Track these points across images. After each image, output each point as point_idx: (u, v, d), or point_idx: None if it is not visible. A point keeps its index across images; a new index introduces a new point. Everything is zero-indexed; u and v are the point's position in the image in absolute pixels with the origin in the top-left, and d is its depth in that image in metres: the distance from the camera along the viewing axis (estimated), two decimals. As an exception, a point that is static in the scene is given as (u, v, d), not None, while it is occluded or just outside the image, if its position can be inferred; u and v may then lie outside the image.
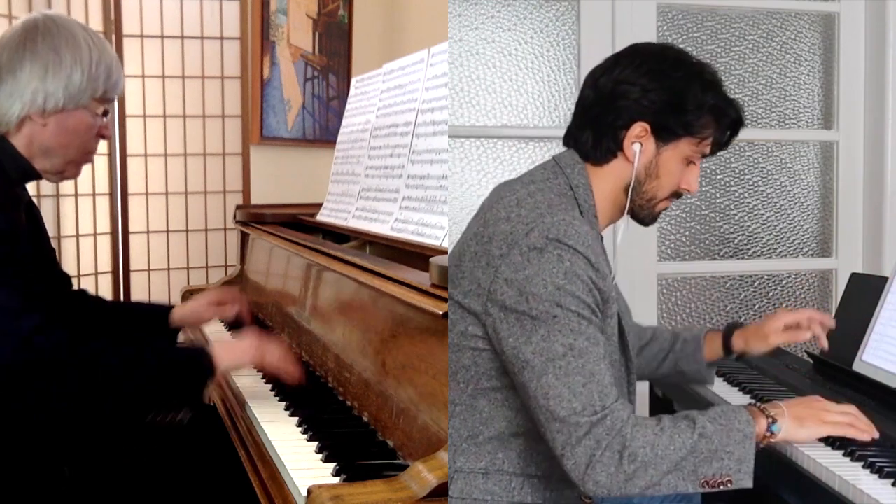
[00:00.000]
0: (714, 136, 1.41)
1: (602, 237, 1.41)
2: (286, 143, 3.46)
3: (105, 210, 3.08)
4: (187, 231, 3.26)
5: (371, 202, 2.18)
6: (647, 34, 2.49)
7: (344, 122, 2.63)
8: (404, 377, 1.42)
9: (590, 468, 1.18)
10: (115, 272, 3.10)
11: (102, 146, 2.98)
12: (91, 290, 2.88)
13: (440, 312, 1.26)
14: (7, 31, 1.62)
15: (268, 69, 3.37)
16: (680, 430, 1.21)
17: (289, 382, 1.69)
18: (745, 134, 2.64)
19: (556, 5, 2.51)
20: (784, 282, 2.74)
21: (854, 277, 1.96)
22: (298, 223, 2.62)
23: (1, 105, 1.58)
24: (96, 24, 3.00)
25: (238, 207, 3.08)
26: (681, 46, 1.44)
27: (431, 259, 1.36)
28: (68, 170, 1.70)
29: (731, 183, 2.69)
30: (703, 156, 1.43)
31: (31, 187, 1.75)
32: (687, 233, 2.66)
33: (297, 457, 1.35)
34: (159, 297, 3.17)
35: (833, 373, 1.80)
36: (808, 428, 1.34)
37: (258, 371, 1.84)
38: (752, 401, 1.70)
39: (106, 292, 3.02)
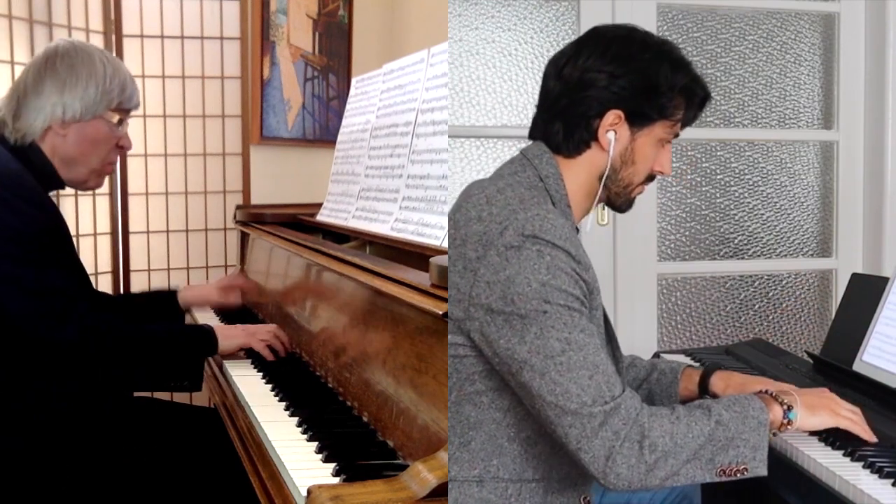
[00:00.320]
0: (685, 115, 1.39)
1: (578, 229, 1.39)
2: (286, 143, 3.46)
3: (105, 210, 3.08)
4: (187, 231, 3.26)
5: (371, 202, 2.18)
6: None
7: (344, 122, 2.63)
8: (404, 377, 1.42)
9: (610, 460, 1.15)
10: (115, 272, 3.10)
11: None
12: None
13: (440, 312, 1.25)
14: (32, 58, 1.85)
15: (268, 69, 3.37)
16: (696, 417, 1.20)
17: (279, 351, 1.97)
18: (745, 134, 2.69)
19: (556, 5, 2.51)
20: (784, 282, 2.74)
21: (854, 277, 1.96)
22: (298, 223, 2.62)
23: (27, 119, 1.76)
24: (96, 24, 3.00)
25: (238, 207, 3.08)
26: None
27: (431, 259, 1.36)
28: (91, 179, 1.89)
29: (731, 183, 2.69)
30: (675, 136, 1.41)
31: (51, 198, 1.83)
32: (687, 233, 2.66)
33: (297, 457, 1.35)
34: (159, 297, 3.17)
35: (833, 373, 1.80)
36: (820, 416, 1.36)
37: (251, 361, 1.88)
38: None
39: (106, 292, 3.02)
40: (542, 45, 2.50)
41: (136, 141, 3.14)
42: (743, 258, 2.70)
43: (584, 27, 2.54)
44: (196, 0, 3.21)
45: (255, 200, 3.32)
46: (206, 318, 2.42)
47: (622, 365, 1.41)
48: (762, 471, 1.20)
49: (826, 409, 1.38)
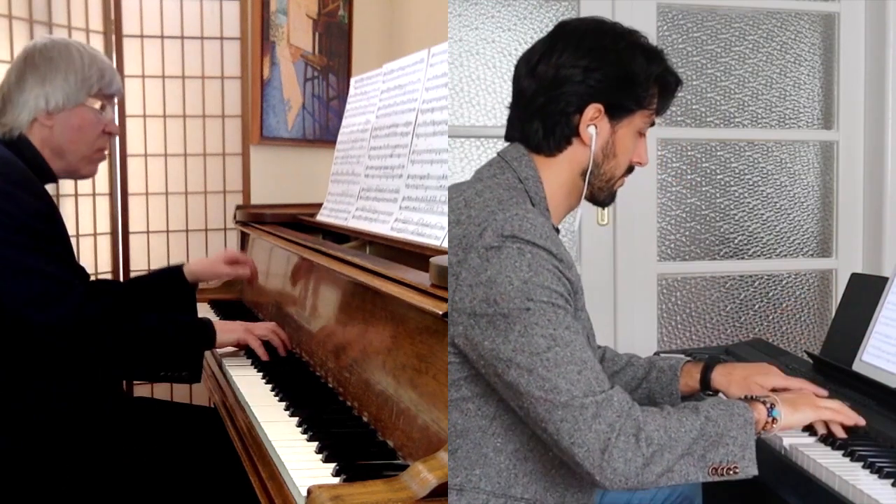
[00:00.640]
0: (660, 104, 1.38)
1: (559, 229, 1.37)
2: (286, 143, 3.46)
3: (105, 210, 3.08)
4: (187, 231, 3.26)
5: (371, 202, 2.18)
6: (648, 34, 2.48)
7: (344, 122, 2.63)
8: (404, 377, 1.41)
9: (606, 454, 1.13)
10: (115, 272, 3.10)
11: (102, 146, 3.00)
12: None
13: (440, 312, 1.25)
14: (14, 59, 1.89)
15: (268, 69, 3.37)
16: (685, 414, 1.19)
17: (277, 348, 1.99)
18: (745, 134, 2.69)
19: (556, 5, 2.51)
20: (784, 282, 2.74)
21: (854, 277, 1.96)
22: (298, 223, 2.63)
23: (12, 114, 1.81)
24: (96, 24, 3.00)
25: (238, 207, 3.08)
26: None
27: (431, 259, 1.36)
28: (83, 167, 1.90)
29: (731, 183, 2.69)
30: (651, 125, 1.40)
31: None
32: (687, 233, 2.66)
33: (297, 457, 1.35)
34: (159, 297, 3.17)
35: (833, 373, 1.80)
36: (803, 412, 1.37)
37: (251, 361, 1.88)
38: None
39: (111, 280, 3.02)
40: (542, 45, 2.49)
41: (136, 141, 3.16)
42: (743, 258, 2.70)
43: (584, 27, 2.56)
44: (196, 0, 3.21)
45: (255, 200, 3.32)
46: (205, 316, 2.42)
47: (602, 366, 1.40)
48: (753, 470, 1.20)
49: (807, 404, 1.38)
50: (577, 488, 1.29)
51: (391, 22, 3.72)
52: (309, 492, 1.14)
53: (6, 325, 1.63)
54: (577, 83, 1.31)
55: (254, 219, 2.77)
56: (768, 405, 1.31)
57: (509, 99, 1.41)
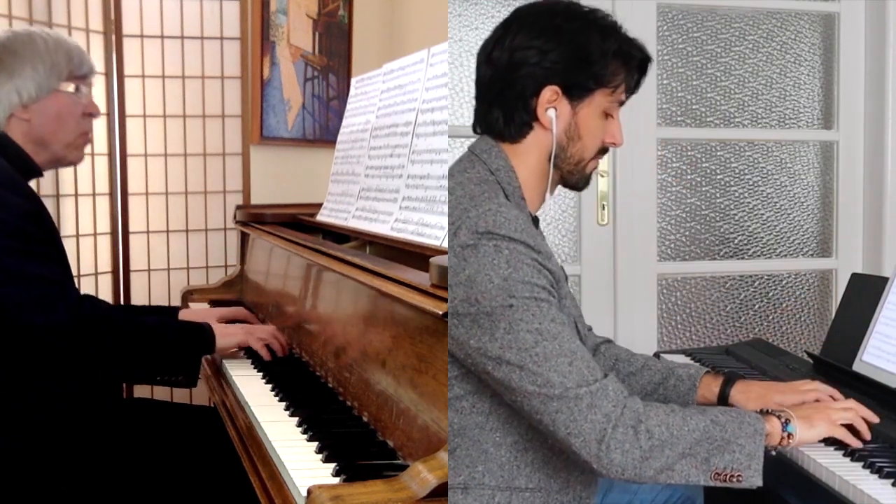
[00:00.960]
0: (625, 81, 1.34)
1: (538, 218, 1.36)
2: (286, 143, 3.46)
3: (105, 210, 3.07)
4: (187, 231, 3.26)
5: (371, 202, 2.18)
6: (647, 34, 2.49)
7: (344, 122, 2.63)
8: (404, 377, 1.41)
9: (603, 444, 1.12)
10: (115, 272, 3.10)
11: (102, 146, 3.00)
12: (91, 291, 2.90)
13: (440, 312, 1.25)
14: None
15: (268, 69, 3.37)
16: (691, 413, 1.18)
17: (277, 352, 1.98)
18: (745, 134, 2.69)
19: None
20: (784, 282, 2.74)
21: (854, 277, 1.96)
22: (298, 223, 2.62)
23: None
24: (96, 24, 3.00)
25: (238, 207, 3.08)
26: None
27: (431, 259, 1.36)
28: (69, 154, 1.88)
29: (731, 183, 2.69)
30: (620, 104, 1.37)
31: (30, 186, 1.80)
32: (687, 233, 2.66)
33: (297, 457, 1.35)
34: (159, 297, 3.16)
35: (833, 373, 1.80)
36: (819, 428, 1.35)
37: (251, 361, 1.87)
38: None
39: (106, 292, 3.01)
40: (542, 45, 2.49)
41: (136, 141, 3.16)
42: (743, 258, 2.71)
43: (584, 27, 2.56)
44: (196, 0, 3.21)
45: (255, 200, 3.31)
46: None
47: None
48: (757, 481, 1.18)
49: (823, 420, 1.36)
50: (580, 472, 1.29)
51: (391, 22, 3.72)
52: (309, 492, 1.14)
53: (6, 327, 1.63)
54: (533, 65, 1.29)
55: (254, 219, 2.77)
56: (783, 420, 1.30)
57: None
